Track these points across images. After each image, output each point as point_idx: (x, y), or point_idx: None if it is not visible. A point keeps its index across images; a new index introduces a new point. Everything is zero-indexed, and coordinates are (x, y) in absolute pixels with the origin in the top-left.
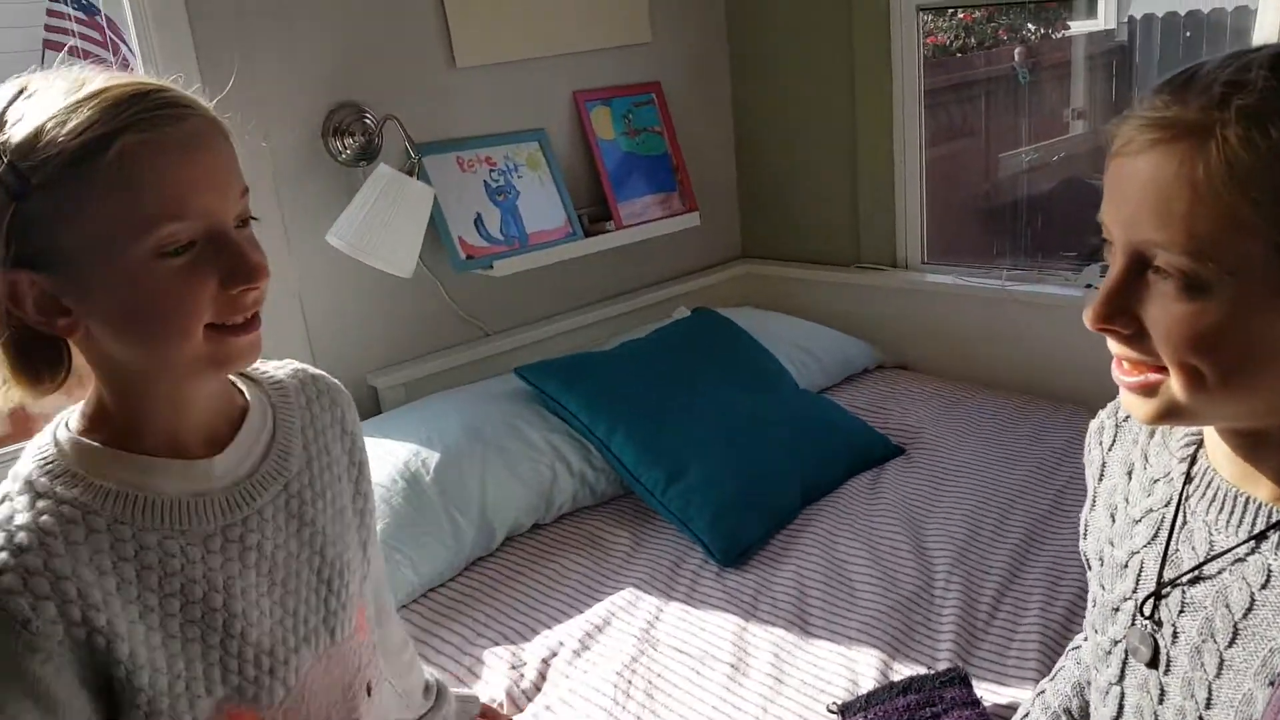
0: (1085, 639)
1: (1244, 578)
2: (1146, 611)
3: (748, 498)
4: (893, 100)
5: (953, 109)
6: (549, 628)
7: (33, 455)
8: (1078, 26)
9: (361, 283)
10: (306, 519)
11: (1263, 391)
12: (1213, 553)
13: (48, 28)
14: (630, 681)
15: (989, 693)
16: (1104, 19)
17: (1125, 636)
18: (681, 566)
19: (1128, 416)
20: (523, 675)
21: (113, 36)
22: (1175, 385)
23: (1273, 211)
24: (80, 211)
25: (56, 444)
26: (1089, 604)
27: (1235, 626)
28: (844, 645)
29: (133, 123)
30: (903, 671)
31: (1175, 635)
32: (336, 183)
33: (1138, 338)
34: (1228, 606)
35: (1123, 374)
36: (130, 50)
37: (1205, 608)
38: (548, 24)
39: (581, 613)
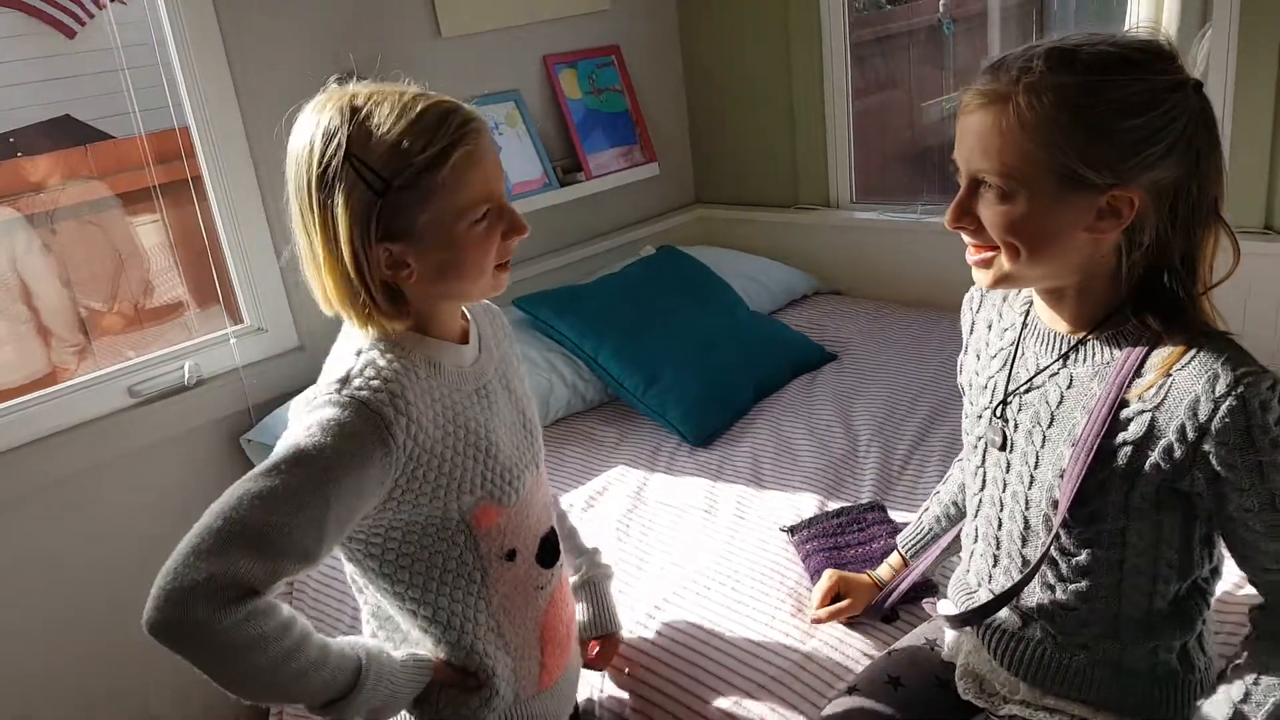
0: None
1: (1056, 383)
2: (998, 414)
3: (711, 395)
4: (822, 58)
5: (881, 61)
6: (559, 494)
7: (366, 340)
8: None
9: None
10: (511, 389)
11: (1054, 261)
12: (1037, 369)
13: None
14: (628, 525)
15: (899, 515)
16: None
17: (985, 433)
18: (661, 449)
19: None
20: None
21: None
22: (1003, 258)
23: (1044, 147)
24: (426, 203)
25: (381, 334)
26: (963, 419)
27: (1052, 414)
28: (790, 493)
29: (457, 140)
30: (836, 506)
31: (1016, 426)
32: None
33: (979, 231)
34: (1047, 402)
35: (971, 255)
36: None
37: (1034, 405)
38: None
39: (583, 485)
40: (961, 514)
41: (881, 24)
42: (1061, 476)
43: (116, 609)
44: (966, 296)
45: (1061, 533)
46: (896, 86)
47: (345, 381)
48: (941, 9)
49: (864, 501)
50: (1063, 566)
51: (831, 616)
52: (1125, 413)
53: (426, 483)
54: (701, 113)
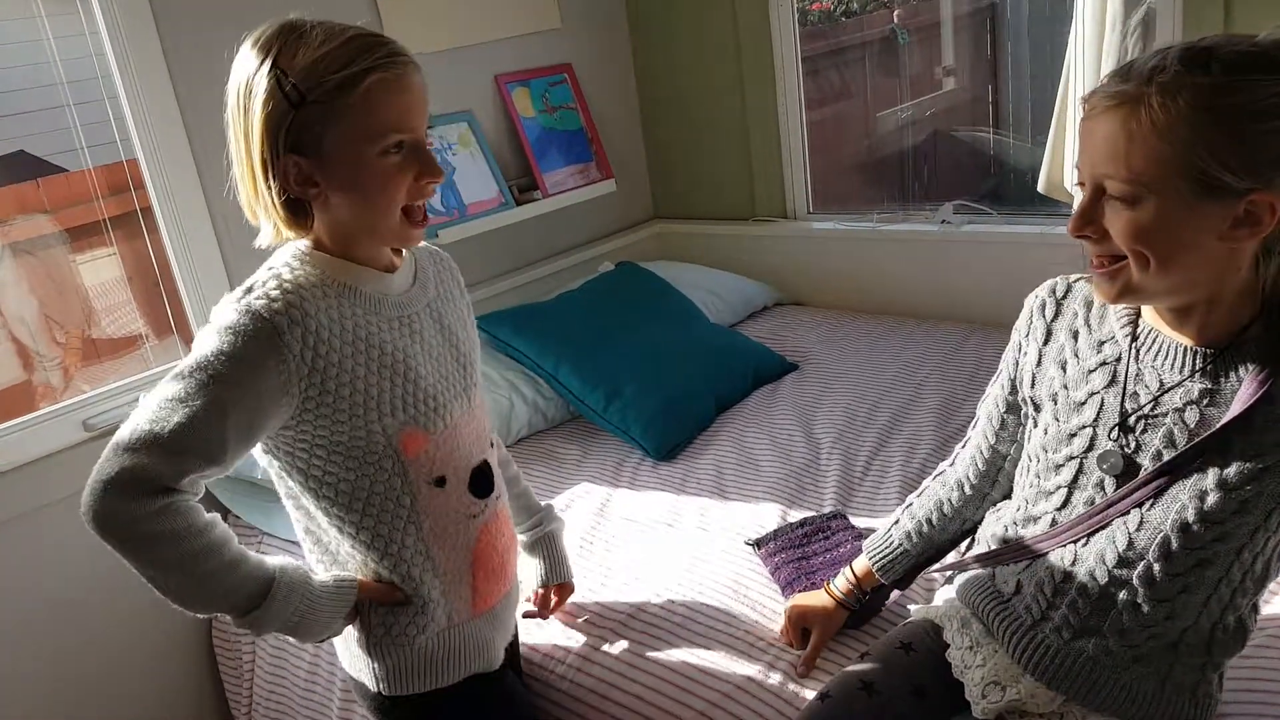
0: (950, 465)
1: (1194, 404)
2: (1113, 436)
3: (673, 408)
4: (774, 70)
5: (836, 72)
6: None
7: (287, 254)
8: None
9: None
10: (444, 324)
11: (1186, 271)
12: (1164, 388)
13: None
14: (592, 540)
15: (861, 522)
16: None
17: (1084, 454)
18: (624, 465)
19: (1065, 294)
20: None
21: None
22: (1132, 268)
23: (1178, 150)
24: (338, 121)
25: (299, 253)
26: (985, 438)
27: (1190, 434)
28: (753, 504)
29: (377, 65)
30: (798, 516)
31: (1138, 449)
32: None
33: (1103, 240)
34: (1184, 422)
35: (1095, 267)
36: None
37: (1165, 424)
38: (469, 15)
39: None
40: (936, 531)
41: (835, 36)
42: (1201, 500)
43: (67, 650)
44: (1035, 302)
45: (1180, 553)
46: (852, 97)
47: (248, 291)
48: (896, 19)
49: (826, 511)
50: (1163, 584)
51: (811, 659)
52: None
53: (341, 399)
54: (657, 128)
